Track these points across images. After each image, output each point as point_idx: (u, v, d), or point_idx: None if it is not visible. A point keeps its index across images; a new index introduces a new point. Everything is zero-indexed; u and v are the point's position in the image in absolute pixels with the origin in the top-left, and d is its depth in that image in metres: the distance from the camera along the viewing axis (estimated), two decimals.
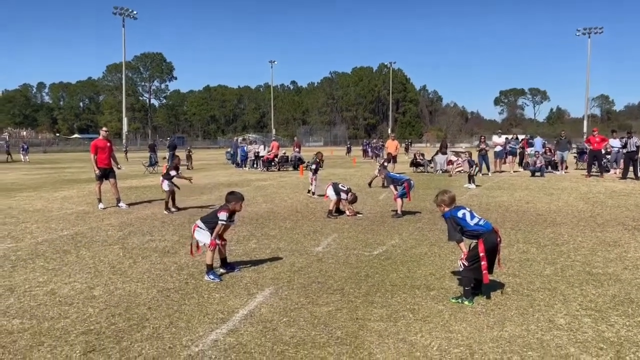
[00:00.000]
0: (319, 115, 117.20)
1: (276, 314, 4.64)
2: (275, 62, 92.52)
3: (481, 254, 4.90)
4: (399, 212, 10.31)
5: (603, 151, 22.09)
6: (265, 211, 11.26)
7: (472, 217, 5.15)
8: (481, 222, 5.11)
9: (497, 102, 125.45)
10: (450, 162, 23.23)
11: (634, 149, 19.18)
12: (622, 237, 8.14)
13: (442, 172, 23.08)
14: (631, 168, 19.43)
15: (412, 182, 10.78)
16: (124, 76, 72.81)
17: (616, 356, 3.75)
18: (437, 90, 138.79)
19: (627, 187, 16.61)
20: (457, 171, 22.53)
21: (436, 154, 24.83)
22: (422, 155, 26.53)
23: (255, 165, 27.18)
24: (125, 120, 69.21)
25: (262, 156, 26.74)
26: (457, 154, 24.63)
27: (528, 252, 7.18)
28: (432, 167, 24.11)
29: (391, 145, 22.79)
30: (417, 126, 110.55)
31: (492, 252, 5.03)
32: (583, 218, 10.14)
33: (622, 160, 20.46)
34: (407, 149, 35.94)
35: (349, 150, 50.41)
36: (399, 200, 10.48)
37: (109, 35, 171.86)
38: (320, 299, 5.06)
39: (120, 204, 11.81)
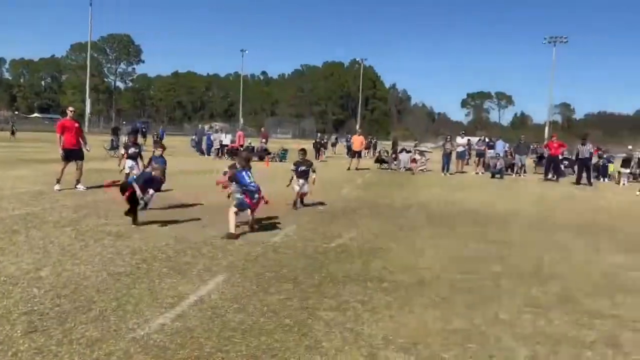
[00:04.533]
0: (288, 107, 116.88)
1: (226, 301, 4.63)
2: (246, 51, 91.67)
3: None
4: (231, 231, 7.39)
5: (560, 157, 22.82)
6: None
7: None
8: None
9: (464, 104, 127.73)
10: (413, 161, 23.58)
11: (587, 155, 19.89)
12: (570, 239, 8.43)
13: (406, 169, 23.40)
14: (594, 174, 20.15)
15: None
16: (88, 56, 70.86)
17: (551, 350, 3.91)
18: (407, 89, 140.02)
19: (580, 192, 17.22)
20: (420, 169, 22.89)
21: (400, 151, 25.16)
22: (387, 152, 26.84)
23: (220, 154, 26.92)
24: (88, 102, 67.39)
25: (227, 145, 26.52)
26: (421, 153, 25.01)
27: (480, 249, 7.38)
28: (396, 165, 24.40)
29: (356, 141, 22.97)
30: (385, 124, 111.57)
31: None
32: (536, 220, 10.47)
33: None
34: (374, 147, 36.18)
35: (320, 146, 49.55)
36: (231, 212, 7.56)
37: (75, 13, 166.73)
38: (272, 288, 5.09)
39: (78, 186, 11.52)
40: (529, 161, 27.62)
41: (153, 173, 7.98)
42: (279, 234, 7.73)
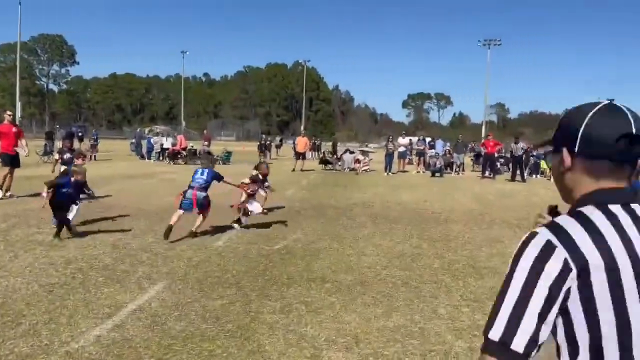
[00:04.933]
0: (232, 109, 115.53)
1: (167, 309, 4.53)
2: (187, 53, 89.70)
3: None
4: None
5: (497, 155, 23.77)
6: (168, 204, 10.91)
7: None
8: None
9: (405, 105, 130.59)
10: (357, 161, 23.90)
11: (520, 153, 20.84)
12: (505, 234, 8.80)
13: (350, 170, 23.67)
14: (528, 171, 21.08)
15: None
16: (18, 57, 67.25)
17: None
18: (349, 90, 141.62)
19: (515, 188, 18.00)
20: (364, 170, 23.21)
21: (344, 152, 25.45)
22: (331, 153, 27.07)
23: (161, 158, 26.29)
24: (19, 105, 63.97)
25: (167, 148, 25.94)
26: (364, 153, 25.37)
27: (420, 247, 7.57)
28: (340, 165, 24.64)
29: (301, 143, 23.01)
30: (329, 125, 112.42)
31: None
32: (473, 216, 10.85)
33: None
34: (318, 149, 36.25)
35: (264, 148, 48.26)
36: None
37: (3, 13, 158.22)
38: (214, 293, 5.02)
39: (6, 193, 10.93)
40: (467, 159, 28.63)
41: (74, 177, 7.50)
42: (223, 238, 7.64)
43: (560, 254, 1.07)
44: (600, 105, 1.19)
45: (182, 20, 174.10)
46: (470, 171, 25.79)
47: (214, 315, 4.42)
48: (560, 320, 1.11)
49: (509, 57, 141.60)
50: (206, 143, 27.93)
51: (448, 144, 26.79)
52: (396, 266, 6.33)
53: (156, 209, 10.21)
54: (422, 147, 24.84)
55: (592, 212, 1.14)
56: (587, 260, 1.07)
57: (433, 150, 24.57)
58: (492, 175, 22.12)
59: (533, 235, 1.13)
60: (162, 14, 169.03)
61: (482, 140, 25.24)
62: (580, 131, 1.17)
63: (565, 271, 1.07)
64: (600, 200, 1.16)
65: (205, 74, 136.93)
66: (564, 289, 1.07)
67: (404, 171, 23.61)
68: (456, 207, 12.20)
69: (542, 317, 1.07)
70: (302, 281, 5.56)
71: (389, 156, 22.60)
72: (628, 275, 1.08)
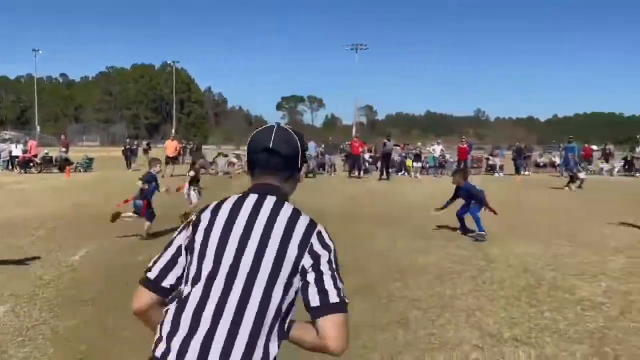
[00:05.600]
0: (95, 112, 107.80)
1: (9, 335, 4.06)
2: (40, 51, 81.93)
3: None
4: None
5: (367, 154, 24.91)
6: (17, 218, 9.86)
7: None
8: None
9: (279, 107, 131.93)
10: (231, 164, 23.60)
11: (389, 152, 22.01)
12: (372, 230, 9.20)
13: (224, 174, 23.29)
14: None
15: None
16: None
17: (355, 336, 4.18)
18: (223, 92, 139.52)
19: (381, 186, 18.98)
20: (238, 173, 22.98)
21: (217, 156, 24.99)
22: (204, 156, 26.41)
23: (10, 166, 23.71)
24: None
25: (17, 156, 23.46)
26: (237, 156, 25.13)
27: None
28: (213, 169, 24.15)
29: (170, 146, 22.14)
30: (202, 128, 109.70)
31: None
32: (345, 214, 11.22)
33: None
34: (190, 152, 34.96)
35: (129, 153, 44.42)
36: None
37: None
38: (66, 313, 4.60)
39: None
40: (339, 160, 29.63)
41: None
42: (80, 252, 7.05)
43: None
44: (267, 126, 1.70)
45: (31, 14, 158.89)
46: (343, 171, 26.71)
47: (64, 337, 4.05)
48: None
49: (376, 61, 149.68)
50: (64, 149, 25.70)
51: (322, 145, 27.45)
52: None
53: (3, 222, 9.16)
54: None
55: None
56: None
57: (307, 152, 25.03)
58: (358, 174, 23.08)
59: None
60: (8, 8, 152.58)
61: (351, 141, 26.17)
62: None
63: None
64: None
65: (63, 74, 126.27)
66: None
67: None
68: (327, 206, 12.52)
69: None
70: None
71: None
72: (215, 233, 1.52)
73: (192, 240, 1.53)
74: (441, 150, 26.48)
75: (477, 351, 3.94)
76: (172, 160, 22.23)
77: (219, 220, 1.53)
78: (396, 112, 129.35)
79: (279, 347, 1.45)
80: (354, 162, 23.28)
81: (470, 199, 8.47)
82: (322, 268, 1.52)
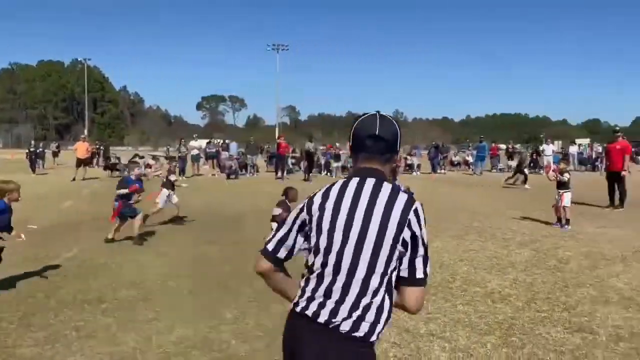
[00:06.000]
0: None
1: None
2: None
3: None
4: None
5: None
6: None
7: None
8: None
9: (199, 107, 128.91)
10: (148, 166, 22.72)
11: (314, 152, 22.10)
12: None
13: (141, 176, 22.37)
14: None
15: None
16: None
17: (270, 341, 4.12)
18: (138, 91, 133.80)
19: (307, 187, 19.00)
20: (155, 175, 22.15)
21: (133, 157, 23.96)
22: (119, 158, 25.28)
23: None
24: None
25: None
26: (154, 157, 24.26)
27: (209, 252, 7.45)
28: (128, 172, 23.12)
29: (80, 148, 20.92)
30: (117, 128, 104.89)
31: None
32: (264, 216, 11.09)
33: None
34: (104, 154, 33.02)
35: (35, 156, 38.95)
36: None
37: None
38: None
39: None
40: (261, 161, 29.42)
41: None
42: None
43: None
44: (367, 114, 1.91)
45: None
46: (265, 172, 26.50)
47: None
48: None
49: (298, 62, 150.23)
50: None
51: (243, 146, 27.12)
52: (184, 275, 6.10)
53: None
54: (214, 150, 24.71)
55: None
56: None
57: (227, 153, 24.63)
58: (281, 176, 23.03)
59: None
60: None
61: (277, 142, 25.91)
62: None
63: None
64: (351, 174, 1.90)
65: None
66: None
67: (199, 175, 23.20)
68: (248, 208, 12.36)
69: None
70: (75, 304, 4.98)
71: (182, 160, 21.98)
72: (327, 214, 1.82)
73: (308, 220, 1.87)
74: None
75: (395, 348, 4.01)
76: (84, 162, 21.01)
77: (329, 202, 1.82)
78: (319, 113, 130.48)
79: (386, 303, 1.77)
80: (279, 163, 23.17)
81: None
82: (415, 243, 1.77)
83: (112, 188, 17.27)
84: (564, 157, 26.15)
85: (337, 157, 24.94)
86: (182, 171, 21.93)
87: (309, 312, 1.78)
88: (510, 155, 30.38)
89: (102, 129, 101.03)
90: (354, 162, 1.93)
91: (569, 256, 7.10)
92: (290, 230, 1.92)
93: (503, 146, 33.11)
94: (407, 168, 27.10)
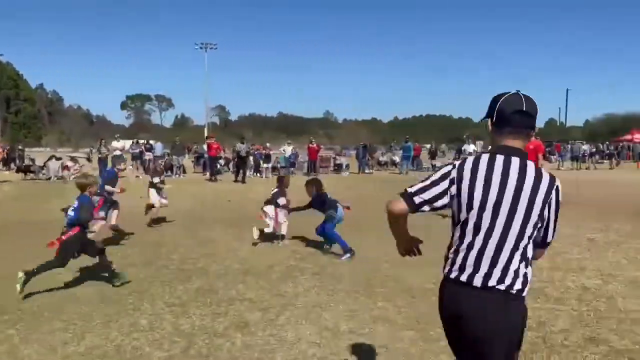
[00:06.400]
0: None
1: None
2: None
3: None
4: None
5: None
6: None
7: None
8: None
9: (123, 106, 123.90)
10: (66, 168, 21.54)
11: (244, 154, 21.68)
12: (216, 235, 8.94)
13: (58, 178, 21.16)
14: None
15: None
16: None
17: (187, 345, 3.98)
18: (57, 90, 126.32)
19: (238, 188, 18.70)
20: (74, 177, 21.04)
21: (49, 159, 22.62)
22: (33, 160, 23.79)
23: None
24: None
25: None
26: (73, 159, 23.04)
27: (129, 255, 7.13)
28: (44, 174, 21.82)
29: None
30: (34, 128, 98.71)
31: None
32: (191, 217, 10.81)
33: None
34: (19, 156, 30.80)
35: None
36: None
37: None
38: None
39: None
40: (188, 161, 28.70)
41: None
42: None
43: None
44: (510, 92, 2.13)
45: None
46: (193, 173, 25.84)
47: None
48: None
49: (227, 62, 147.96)
50: None
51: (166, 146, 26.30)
52: (97, 281, 5.78)
53: None
54: (137, 151, 23.82)
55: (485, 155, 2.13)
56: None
57: (150, 154, 23.82)
58: (213, 178, 22.56)
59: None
60: None
61: (207, 143, 25.19)
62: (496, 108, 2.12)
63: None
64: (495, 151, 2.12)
65: None
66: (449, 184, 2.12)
67: (121, 177, 22.20)
68: (173, 210, 11.96)
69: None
70: None
71: (102, 162, 21.01)
72: (478, 189, 2.05)
73: (456, 187, 2.10)
74: (292, 150, 26.98)
75: (314, 347, 3.98)
76: None
77: (479, 176, 2.05)
78: (249, 113, 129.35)
79: (527, 267, 2.09)
80: (211, 164, 22.63)
81: (323, 209, 8.17)
82: (553, 216, 2.12)
83: (26, 192, 16.28)
84: None
85: (267, 158, 24.77)
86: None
87: (464, 278, 2.07)
88: (432, 155, 31.51)
89: (16, 129, 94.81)
90: (497, 138, 2.14)
91: None
92: (435, 185, 2.13)
93: (428, 146, 34.24)
94: (336, 167, 27.39)
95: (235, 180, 21.15)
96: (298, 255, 7.18)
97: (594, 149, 35.69)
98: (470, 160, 2.11)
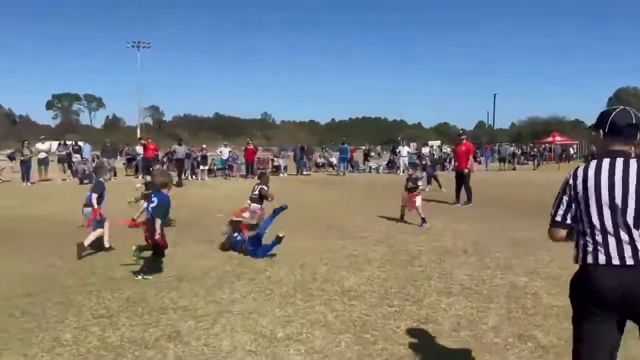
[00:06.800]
0: None
1: None
2: None
3: None
4: None
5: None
6: None
7: None
8: None
9: (50, 106, 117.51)
10: None
11: (182, 156, 21.01)
12: (179, 238, 8.59)
13: None
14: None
15: None
16: None
17: (115, 358, 3.79)
18: None
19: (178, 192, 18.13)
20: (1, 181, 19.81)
21: None
22: None
23: None
24: None
25: None
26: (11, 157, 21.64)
27: (54, 265, 6.76)
28: None
29: None
30: None
31: None
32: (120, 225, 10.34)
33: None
34: None
35: None
36: None
37: None
38: None
39: None
40: (120, 164, 27.64)
41: None
42: None
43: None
44: (618, 108, 2.54)
45: None
46: (125, 175, 24.87)
47: None
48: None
49: (161, 61, 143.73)
50: None
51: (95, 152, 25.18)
52: (19, 293, 5.41)
53: None
54: (63, 153, 22.65)
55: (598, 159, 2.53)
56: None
57: (79, 156, 22.74)
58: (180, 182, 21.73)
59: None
60: None
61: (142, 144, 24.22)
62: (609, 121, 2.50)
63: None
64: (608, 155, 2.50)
65: None
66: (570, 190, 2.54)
67: (47, 180, 21.02)
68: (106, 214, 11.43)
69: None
70: None
71: (24, 164, 19.81)
72: (591, 188, 2.43)
73: (573, 194, 2.53)
74: (229, 152, 26.56)
75: (250, 356, 3.90)
76: None
77: (590, 179, 2.46)
78: (184, 114, 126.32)
79: None
80: (147, 166, 21.80)
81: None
82: None
83: None
84: (418, 157, 28.23)
85: (203, 160, 24.21)
86: (26, 177, 19.76)
87: (601, 261, 2.40)
88: (366, 156, 32.11)
89: None
90: (607, 144, 2.53)
91: (419, 251, 7.57)
92: (567, 202, 2.57)
93: (363, 147, 34.80)
94: (274, 169, 27.25)
95: (177, 185, 20.35)
96: (235, 260, 7.05)
97: (519, 151, 37.61)
98: (580, 168, 2.56)
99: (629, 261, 2.34)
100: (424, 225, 9.78)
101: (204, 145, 26.34)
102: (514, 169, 31.95)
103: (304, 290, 5.60)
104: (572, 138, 51.32)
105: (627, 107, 2.56)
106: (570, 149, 47.57)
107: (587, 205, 2.46)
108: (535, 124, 79.63)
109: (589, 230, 2.46)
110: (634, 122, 2.49)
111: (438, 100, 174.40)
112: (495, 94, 65.86)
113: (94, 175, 21.45)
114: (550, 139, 48.82)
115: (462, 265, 6.72)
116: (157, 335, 4.28)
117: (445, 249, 7.76)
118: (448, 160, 29.75)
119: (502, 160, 33.25)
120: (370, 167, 30.50)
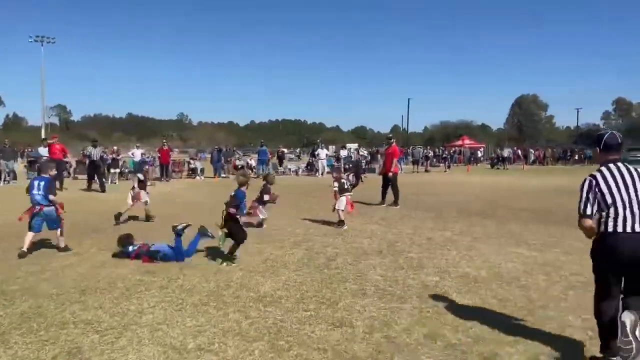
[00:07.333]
0: None
1: None
2: None
3: None
4: None
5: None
6: None
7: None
8: None
9: None
10: None
11: (97, 158, 19.73)
12: (50, 249, 8.04)
13: None
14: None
15: None
16: None
17: None
18: None
19: (92, 195, 17.11)
20: None
21: None
22: None
23: None
24: None
25: None
26: None
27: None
28: None
29: None
30: None
31: None
32: (19, 228, 9.56)
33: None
34: None
35: None
36: None
37: None
38: None
39: None
40: (20, 166, 25.71)
41: None
42: None
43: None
44: (608, 132, 3.87)
45: None
46: (26, 179, 23.04)
47: None
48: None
49: (69, 58, 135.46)
50: None
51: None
52: None
53: None
54: None
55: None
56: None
57: None
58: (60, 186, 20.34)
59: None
60: None
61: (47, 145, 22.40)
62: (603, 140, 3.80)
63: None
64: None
65: None
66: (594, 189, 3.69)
67: None
68: (1, 222, 10.55)
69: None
70: None
71: None
72: (611, 182, 3.65)
73: (594, 192, 3.64)
74: (142, 154, 25.45)
75: None
76: None
77: (605, 180, 3.64)
78: (95, 114, 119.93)
79: None
80: (57, 170, 20.21)
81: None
82: None
83: None
84: (337, 161, 28.63)
85: (114, 162, 23.00)
86: None
87: (619, 229, 3.53)
88: (280, 160, 32.17)
89: None
90: (605, 155, 3.76)
91: (336, 253, 7.61)
92: (591, 198, 3.63)
93: (284, 150, 34.74)
94: (191, 172, 26.51)
95: (88, 189, 19.00)
96: (144, 268, 6.70)
97: (431, 153, 39.24)
98: (598, 174, 3.68)
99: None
100: (342, 227, 9.86)
101: (115, 147, 25.09)
102: (427, 171, 33.23)
103: (218, 297, 5.43)
104: (479, 142, 54.43)
105: (614, 131, 3.85)
106: (478, 152, 50.47)
107: (612, 194, 3.55)
108: (446, 127, 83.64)
109: (612, 210, 3.54)
110: (620, 141, 3.77)
111: (355, 105, 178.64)
112: (409, 99, 68.14)
113: None
114: (460, 142, 51.46)
115: (377, 266, 6.83)
116: (55, 352, 3.95)
117: (361, 250, 7.86)
118: (366, 162, 30.47)
119: (415, 162, 34.46)
120: (289, 169, 30.52)
